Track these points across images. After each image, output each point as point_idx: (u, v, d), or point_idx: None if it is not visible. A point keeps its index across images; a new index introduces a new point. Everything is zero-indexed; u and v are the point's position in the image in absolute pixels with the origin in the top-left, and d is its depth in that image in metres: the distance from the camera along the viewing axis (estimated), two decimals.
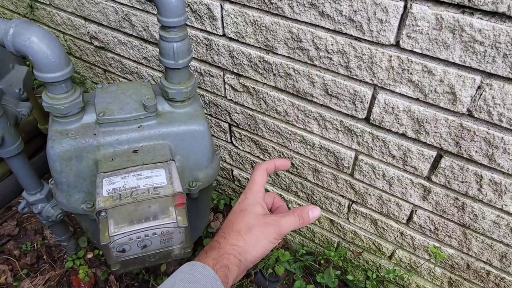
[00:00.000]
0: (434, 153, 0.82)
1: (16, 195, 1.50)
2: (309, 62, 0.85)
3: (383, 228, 1.07)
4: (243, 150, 1.22)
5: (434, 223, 0.95)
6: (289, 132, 1.04)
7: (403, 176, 0.91)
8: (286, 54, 0.88)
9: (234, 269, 0.49)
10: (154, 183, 0.68)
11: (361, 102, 0.84)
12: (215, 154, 0.88)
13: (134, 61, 1.25)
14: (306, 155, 1.06)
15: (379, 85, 0.79)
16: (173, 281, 0.46)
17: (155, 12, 0.95)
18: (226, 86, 1.07)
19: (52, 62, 0.64)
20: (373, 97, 0.82)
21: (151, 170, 0.71)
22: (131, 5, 1.08)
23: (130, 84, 0.81)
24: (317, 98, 0.91)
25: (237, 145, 1.22)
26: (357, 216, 1.10)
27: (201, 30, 0.98)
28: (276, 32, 0.85)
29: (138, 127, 0.75)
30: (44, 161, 1.51)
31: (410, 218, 0.99)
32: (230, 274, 0.49)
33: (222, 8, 0.90)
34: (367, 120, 0.87)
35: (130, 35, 1.17)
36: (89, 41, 1.33)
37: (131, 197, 0.66)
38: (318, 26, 0.78)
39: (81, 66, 1.48)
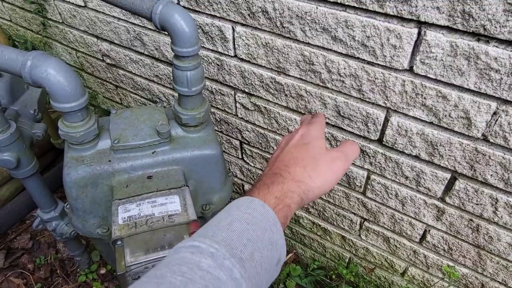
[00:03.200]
0: (448, 176, 0.82)
1: (30, 210, 1.52)
2: (321, 84, 0.85)
3: (395, 246, 1.06)
4: (254, 167, 1.22)
5: (448, 243, 0.94)
6: None
7: (416, 196, 0.90)
8: (298, 76, 0.88)
9: (294, 208, 0.45)
10: (169, 210, 0.69)
11: (374, 124, 0.84)
12: (227, 176, 0.88)
13: (146, 78, 1.26)
14: None
15: (392, 108, 0.79)
16: (229, 220, 0.41)
17: (169, 38, 0.96)
18: (237, 104, 1.07)
19: (69, 93, 0.65)
20: (386, 120, 0.81)
21: (165, 196, 0.71)
22: (143, 25, 1.09)
23: (144, 109, 0.82)
24: (329, 119, 0.90)
25: (248, 161, 1.22)
26: (369, 233, 1.10)
27: (212, 50, 0.99)
28: (288, 54, 0.85)
29: (152, 153, 0.76)
30: (56, 177, 1.53)
31: (423, 237, 0.98)
32: (290, 214, 0.44)
33: (233, 30, 0.90)
34: (379, 141, 0.86)
35: (142, 54, 1.18)
36: (101, 58, 1.34)
37: (146, 226, 0.66)
38: (331, 50, 0.78)
39: (93, 81, 1.50)
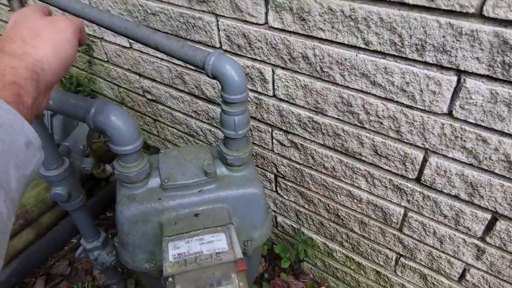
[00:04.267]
0: (488, 216, 0.82)
1: (71, 237, 1.59)
2: (358, 124, 0.88)
3: (433, 283, 1.05)
4: (288, 200, 1.25)
5: (489, 283, 0.93)
6: (336, 186, 1.06)
7: (455, 235, 0.90)
8: (336, 116, 0.91)
9: (28, 84, 0.37)
10: (216, 248, 0.72)
11: (412, 163, 0.85)
12: (268, 212, 0.91)
13: (184, 113, 1.32)
14: (352, 208, 1.07)
15: (430, 149, 0.81)
16: None
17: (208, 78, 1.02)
18: (274, 141, 1.11)
19: (127, 137, 0.71)
20: (425, 160, 0.83)
21: (212, 234, 0.75)
22: (185, 66, 1.16)
23: (190, 148, 0.87)
24: (366, 157, 0.93)
25: (282, 194, 1.25)
26: (405, 270, 1.09)
27: (252, 90, 1.04)
28: (326, 96, 0.89)
29: (199, 191, 0.80)
30: (96, 206, 1.60)
31: (462, 276, 0.97)
32: (23, 91, 0.37)
33: (273, 72, 0.95)
34: (417, 180, 0.88)
35: (182, 91, 1.25)
36: (142, 94, 1.42)
37: (195, 263, 0.69)
38: (369, 93, 0.81)
39: (132, 114, 1.58)
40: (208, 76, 0.71)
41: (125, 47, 1.30)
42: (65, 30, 0.44)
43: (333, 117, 0.92)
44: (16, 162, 0.34)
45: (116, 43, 1.32)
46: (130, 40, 1.26)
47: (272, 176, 1.22)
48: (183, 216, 0.79)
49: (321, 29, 0.79)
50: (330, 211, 1.13)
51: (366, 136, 0.89)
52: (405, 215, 0.96)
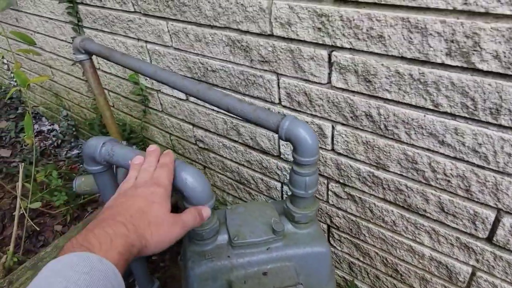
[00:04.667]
0: None
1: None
2: (423, 181, 0.88)
3: None
4: (341, 251, 1.23)
5: None
6: (396, 241, 1.04)
7: None
8: (399, 172, 0.91)
9: (131, 260, 0.46)
10: None
11: (483, 223, 0.83)
12: (332, 270, 0.90)
13: (236, 162, 1.35)
14: (413, 263, 1.04)
15: (504, 209, 0.79)
16: (64, 285, 0.36)
17: (264, 130, 1.04)
18: (330, 192, 1.11)
19: (203, 197, 0.73)
20: (497, 220, 0.81)
21: None
22: (241, 118, 1.20)
23: (255, 204, 0.89)
24: (430, 214, 0.91)
25: (335, 245, 1.23)
26: None
27: None
28: (389, 153, 0.89)
29: (267, 249, 0.81)
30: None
31: None
32: (126, 266, 0.44)
33: (333, 128, 0.97)
34: (488, 240, 0.85)
35: (236, 142, 1.28)
36: (194, 142, 1.47)
37: None
38: (437, 152, 0.82)
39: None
40: (281, 139, 0.73)
41: (181, 99, 1.37)
42: (174, 237, 0.54)
43: (396, 173, 0.92)
44: None
45: (173, 95, 1.39)
46: None
47: (325, 227, 1.21)
48: (252, 275, 0.79)
49: (387, 90, 0.81)
50: (388, 265, 1.11)
51: (432, 193, 0.88)
52: (473, 274, 0.93)
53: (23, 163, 1.72)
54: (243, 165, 1.33)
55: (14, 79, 2.75)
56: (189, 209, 0.63)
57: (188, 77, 1.24)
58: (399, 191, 0.94)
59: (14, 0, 1.86)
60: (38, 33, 1.93)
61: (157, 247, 0.51)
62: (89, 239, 0.43)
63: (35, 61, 2.19)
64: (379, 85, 0.82)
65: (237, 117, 0.80)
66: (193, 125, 1.41)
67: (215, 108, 1.26)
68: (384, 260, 1.11)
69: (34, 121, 2.72)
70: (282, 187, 1.26)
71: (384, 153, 0.91)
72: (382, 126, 0.87)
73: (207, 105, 1.28)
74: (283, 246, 0.81)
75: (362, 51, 0.80)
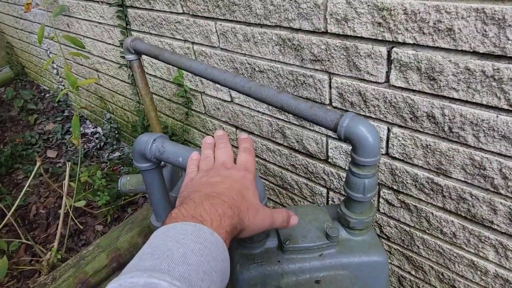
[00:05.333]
0: None
1: None
2: (491, 189, 0.80)
3: None
4: (390, 263, 1.15)
5: None
6: (455, 254, 0.96)
7: None
8: (462, 179, 0.84)
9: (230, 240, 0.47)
10: None
11: None
12: (388, 282, 0.84)
13: (280, 166, 1.31)
14: (474, 280, 0.96)
15: None
16: (182, 251, 0.38)
17: (311, 133, 1.00)
18: (381, 200, 1.05)
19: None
20: None
21: None
22: (288, 120, 1.17)
23: (307, 208, 0.84)
24: (498, 225, 0.83)
25: None
26: None
27: None
28: (452, 157, 0.83)
29: (319, 255, 0.76)
30: None
31: None
32: (229, 245, 0.46)
33: (389, 130, 0.91)
34: None
35: (280, 145, 1.25)
36: (236, 146, 1.45)
37: None
38: (510, 157, 0.74)
39: None
40: (340, 138, 0.69)
41: (225, 100, 1.35)
42: (265, 225, 0.55)
43: (459, 180, 0.85)
44: None
45: (217, 97, 1.37)
46: (232, 94, 1.31)
47: (378, 239, 1.14)
48: (304, 282, 0.74)
49: (454, 88, 0.75)
50: (444, 281, 1.02)
51: (501, 203, 0.80)
52: None
53: (69, 162, 1.77)
54: (287, 169, 1.29)
55: (62, 83, 2.87)
56: (281, 210, 0.60)
57: None
58: (462, 200, 0.86)
59: (67, 6, 1.94)
60: (87, 37, 2.00)
61: (249, 233, 0.52)
62: (201, 213, 0.44)
63: (82, 65, 2.27)
64: (444, 83, 0.76)
65: (292, 114, 0.76)
66: (237, 127, 1.39)
67: (261, 110, 1.23)
68: (440, 275, 1.03)
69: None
70: (328, 193, 1.21)
71: (447, 157, 0.84)
72: (446, 128, 0.80)
73: (252, 106, 1.26)
74: (336, 253, 0.76)
75: (427, 46, 0.75)
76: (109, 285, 0.35)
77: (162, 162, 1.13)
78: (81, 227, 1.90)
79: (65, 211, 1.72)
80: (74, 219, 1.81)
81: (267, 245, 0.79)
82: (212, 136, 0.67)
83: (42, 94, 3.33)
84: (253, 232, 0.53)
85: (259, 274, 0.75)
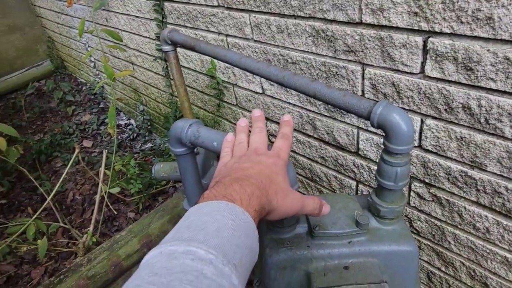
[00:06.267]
0: None
1: None
2: None
3: None
4: (419, 259, 1.14)
5: None
6: (487, 251, 0.94)
7: None
8: (498, 172, 0.82)
9: (258, 220, 0.48)
10: None
11: None
12: (418, 274, 0.83)
13: (309, 158, 1.32)
14: (507, 278, 0.93)
15: None
16: (216, 225, 0.41)
17: (342, 124, 1.01)
18: (412, 193, 1.04)
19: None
20: None
21: None
22: (318, 112, 1.17)
23: (337, 196, 0.85)
24: None
25: None
26: None
27: None
28: (488, 150, 0.81)
29: (349, 242, 0.77)
30: None
31: None
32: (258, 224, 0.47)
33: (422, 122, 0.91)
34: None
35: (311, 136, 1.26)
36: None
37: None
38: None
39: None
40: (373, 125, 0.69)
41: (257, 92, 1.37)
42: (295, 209, 0.56)
43: (494, 173, 0.83)
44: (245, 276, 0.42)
45: (249, 89, 1.40)
46: (264, 86, 1.33)
47: (409, 230, 1.13)
48: (332, 268, 0.76)
49: (492, 79, 0.74)
50: (476, 278, 1.00)
51: None
52: None
53: (106, 150, 1.85)
54: (316, 161, 1.30)
55: (99, 76, 2.98)
56: (314, 197, 0.62)
57: None
58: (497, 194, 0.85)
59: (106, 1, 2.02)
60: (124, 31, 2.07)
61: (278, 215, 0.53)
62: (231, 193, 0.46)
63: (119, 58, 2.35)
64: (482, 74, 0.75)
65: (325, 103, 0.77)
66: (267, 119, 1.41)
67: (292, 101, 1.25)
68: (471, 272, 1.01)
69: None
70: (357, 186, 1.21)
71: (482, 150, 0.82)
72: (482, 120, 0.79)
73: (283, 98, 1.27)
74: (366, 241, 0.77)
75: (465, 35, 0.74)
76: (150, 253, 0.38)
77: (196, 150, 1.17)
78: (115, 213, 1.98)
79: (100, 198, 1.80)
80: (109, 204, 1.89)
81: (297, 230, 0.80)
82: (245, 118, 0.69)
83: (80, 86, 3.48)
84: (282, 215, 0.54)
85: (288, 257, 0.76)
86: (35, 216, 1.69)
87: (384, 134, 0.69)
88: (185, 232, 0.40)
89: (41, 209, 1.79)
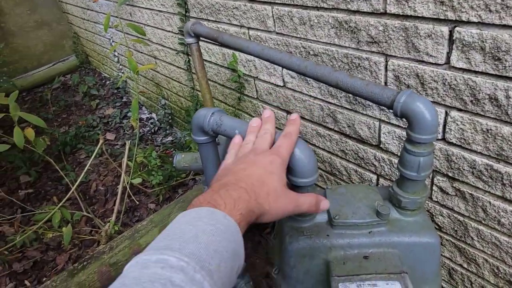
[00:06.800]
0: None
1: None
2: None
3: None
4: (441, 255, 1.12)
5: None
6: None
7: None
8: None
9: (248, 225, 0.48)
10: None
11: None
12: (440, 266, 0.82)
13: (329, 152, 1.32)
14: None
15: None
16: (194, 231, 0.40)
17: (364, 117, 1.00)
18: (434, 187, 1.02)
19: (309, 170, 0.72)
20: None
21: (385, 281, 0.70)
22: (339, 104, 1.17)
23: (357, 187, 0.85)
24: None
25: None
26: None
27: None
28: None
29: (369, 232, 0.77)
30: None
31: None
32: (244, 230, 0.47)
33: (447, 114, 0.89)
34: None
35: (331, 129, 1.25)
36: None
37: None
38: None
39: None
40: (396, 115, 0.69)
41: (278, 85, 1.38)
42: (288, 212, 0.55)
43: None
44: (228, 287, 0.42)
45: (270, 82, 1.40)
46: (285, 79, 1.33)
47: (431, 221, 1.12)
48: (352, 257, 0.75)
49: None
50: (500, 275, 0.98)
51: None
52: None
53: (129, 141, 1.89)
54: (336, 155, 1.30)
55: (122, 71, 3.04)
56: (309, 194, 0.61)
57: None
58: None
59: None
60: (147, 25, 2.11)
61: (271, 217, 0.53)
62: (215, 198, 0.47)
63: (142, 52, 2.40)
64: (510, 64, 0.73)
65: (347, 92, 0.77)
66: (288, 112, 1.41)
67: (313, 94, 1.25)
68: (495, 269, 0.99)
69: None
70: (378, 180, 1.20)
71: (509, 143, 0.81)
72: (509, 112, 0.77)
73: (304, 90, 1.27)
74: (387, 231, 0.76)
75: (493, 24, 0.72)
76: (129, 263, 0.39)
77: (217, 139, 1.18)
78: (137, 203, 2.02)
79: (122, 188, 1.84)
80: (131, 194, 1.93)
81: (316, 219, 0.80)
82: (258, 118, 0.69)
83: (103, 81, 3.56)
84: (276, 217, 0.54)
85: (308, 246, 0.77)
86: (60, 204, 1.74)
87: (407, 123, 0.69)
88: (163, 241, 0.40)
89: (66, 198, 1.84)
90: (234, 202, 0.47)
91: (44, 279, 1.78)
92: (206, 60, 1.73)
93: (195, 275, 0.36)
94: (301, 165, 0.72)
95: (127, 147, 1.76)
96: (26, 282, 1.76)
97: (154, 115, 2.84)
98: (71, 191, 1.83)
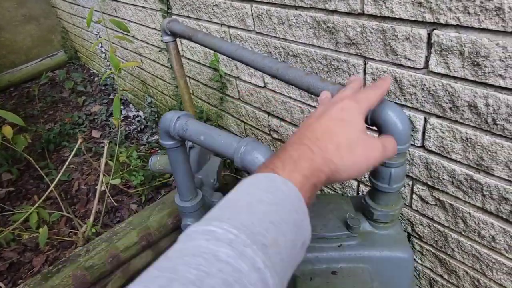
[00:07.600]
0: None
1: None
2: None
3: None
4: (421, 264, 1.09)
5: None
6: (493, 260, 0.88)
7: None
8: (506, 177, 0.76)
9: (319, 188, 0.41)
10: None
11: None
12: (413, 281, 0.78)
13: None
14: None
15: None
16: (248, 200, 0.36)
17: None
18: (414, 196, 0.98)
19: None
20: None
21: None
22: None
23: (329, 197, 0.81)
24: None
25: (415, 257, 1.09)
26: None
27: None
28: (495, 153, 0.75)
29: (338, 246, 0.73)
30: None
31: None
32: (314, 194, 0.41)
33: (426, 121, 0.85)
34: None
35: None
36: (268, 132, 1.43)
37: None
38: None
39: None
40: (366, 123, 0.65)
41: (259, 86, 1.33)
42: (372, 161, 0.46)
43: (502, 178, 0.77)
44: (292, 264, 0.38)
45: (251, 82, 1.36)
46: (265, 80, 1.28)
47: (405, 235, 1.08)
48: (320, 272, 0.72)
49: (500, 76, 0.68)
50: None
51: None
52: None
53: (108, 141, 1.84)
54: None
55: (109, 67, 2.98)
56: (389, 136, 0.52)
57: None
58: (504, 200, 0.79)
59: None
60: (132, 22, 2.05)
61: (350, 173, 0.44)
62: (275, 162, 0.41)
63: (127, 49, 2.34)
64: (490, 70, 0.69)
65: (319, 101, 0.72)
66: (269, 113, 1.36)
67: (293, 96, 1.20)
68: (475, 282, 0.95)
69: (122, 107, 2.92)
70: (358, 186, 1.16)
71: (489, 152, 0.77)
72: (489, 120, 0.73)
73: (284, 92, 1.23)
74: (357, 245, 0.72)
75: (472, 28, 0.68)
76: (181, 234, 0.35)
77: (190, 143, 1.14)
78: (116, 204, 1.97)
79: (103, 189, 1.79)
80: (110, 196, 1.88)
81: None
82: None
83: (92, 77, 3.50)
84: (358, 171, 0.45)
85: None
86: (37, 204, 1.69)
87: (378, 132, 0.65)
88: (215, 211, 0.37)
89: (43, 197, 1.79)
90: (295, 163, 0.41)
91: (20, 281, 1.74)
92: (188, 59, 1.68)
93: (245, 250, 0.31)
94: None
95: (106, 146, 1.71)
96: (1, 284, 1.71)
97: (141, 113, 2.79)
98: (49, 190, 1.78)
